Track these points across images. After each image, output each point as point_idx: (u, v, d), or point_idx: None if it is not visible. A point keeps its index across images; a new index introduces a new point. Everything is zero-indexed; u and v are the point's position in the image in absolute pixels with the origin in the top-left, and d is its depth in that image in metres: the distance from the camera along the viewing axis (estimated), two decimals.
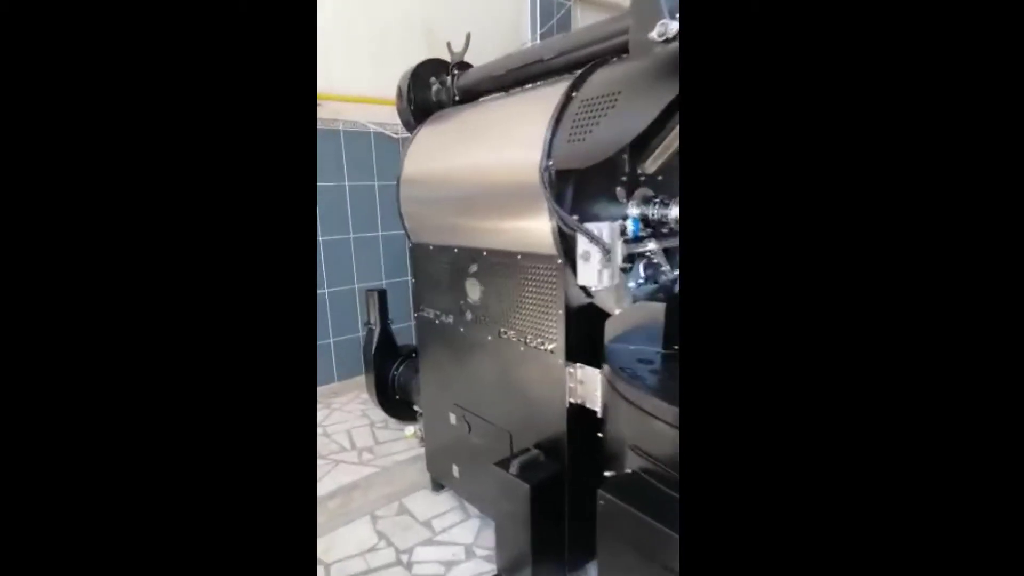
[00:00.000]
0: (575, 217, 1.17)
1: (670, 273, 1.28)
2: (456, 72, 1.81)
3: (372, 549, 1.64)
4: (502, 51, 1.67)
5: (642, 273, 1.30)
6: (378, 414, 2.55)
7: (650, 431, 0.89)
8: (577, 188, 1.18)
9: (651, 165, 1.31)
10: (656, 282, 1.30)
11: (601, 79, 1.16)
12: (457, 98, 1.80)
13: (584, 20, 3.90)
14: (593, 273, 1.09)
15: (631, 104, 1.02)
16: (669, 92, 0.96)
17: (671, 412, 0.84)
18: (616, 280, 1.12)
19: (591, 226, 1.09)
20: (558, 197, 1.15)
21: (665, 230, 1.29)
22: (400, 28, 2.97)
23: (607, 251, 1.07)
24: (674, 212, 1.24)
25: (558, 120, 1.16)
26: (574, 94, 1.17)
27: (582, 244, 1.10)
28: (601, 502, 0.86)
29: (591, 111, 1.09)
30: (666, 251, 1.38)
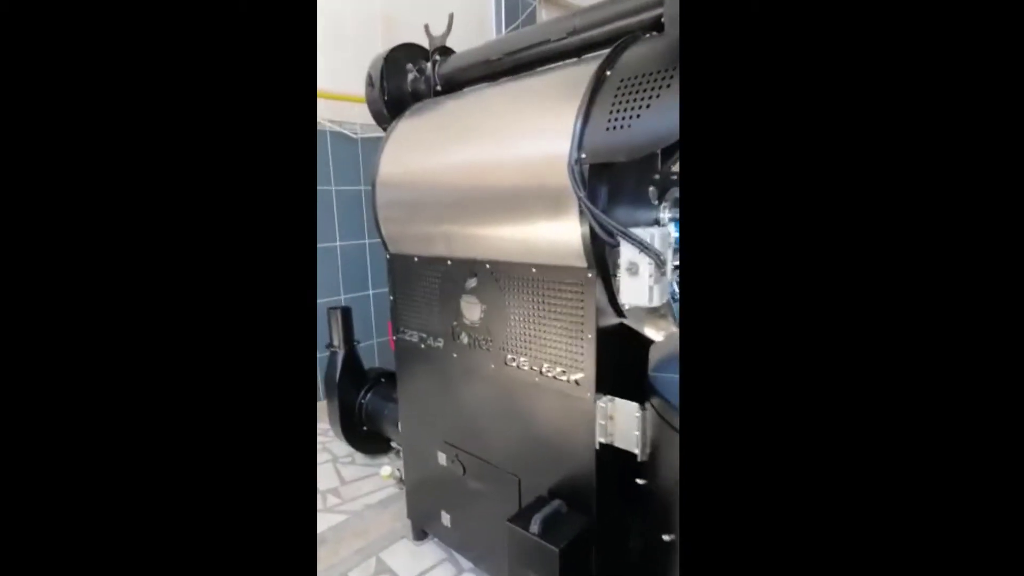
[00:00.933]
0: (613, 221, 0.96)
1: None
2: (437, 58, 1.58)
3: None
4: (480, 41, 1.45)
5: (675, 287, 1.12)
6: (341, 447, 2.25)
7: None
8: (612, 187, 0.98)
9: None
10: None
11: (641, 56, 0.97)
12: (439, 87, 1.57)
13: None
14: (643, 289, 0.89)
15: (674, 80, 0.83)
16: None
17: None
18: (666, 298, 0.93)
19: (639, 231, 0.89)
20: (591, 196, 0.95)
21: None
22: (356, 18, 2.70)
23: (662, 262, 0.87)
24: None
25: (590, 104, 0.96)
26: (608, 73, 0.97)
27: (627, 254, 0.90)
28: None
29: (636, 92, 0.90)
30: None
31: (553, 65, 1.26)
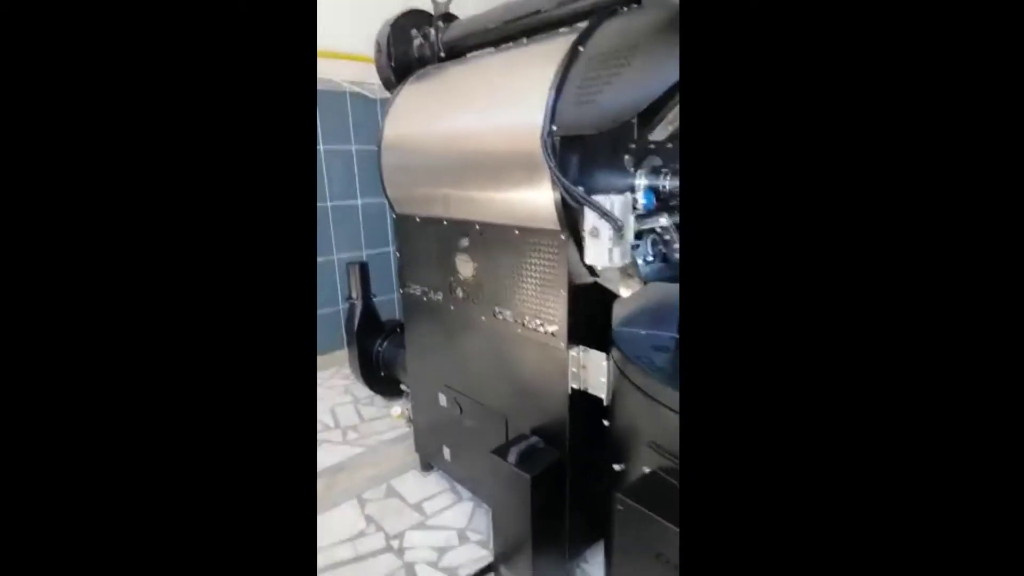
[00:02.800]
0: (580, 189, 1.06)
1: (677, 250, 1.19)
2: (441, 25, 1.65)
3: (361, 534, 1.58)
4: (486, 6, 1.50)
5: (650, 250, 1.21)
6: (362, 390, 2.46)
7: (671, 427, 0.81)
8: (583, 156, 1.07)
9: (661, 132, 1.20)
10: (666, 260, 1.21)
11: (613, 32, 1.03)
12: (442, 54, 1.64)
13: None
14: (603, 251, 0.99)
15: (649, 62, 0.90)
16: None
17: None
18: (627, 259, 1.03)
19: (601, 199, 0.98)
20: (562, 166, 1.04)
21: (673, 203, 1.19)
22: None
23: (619, 227, 0.97)
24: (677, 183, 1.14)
25: (563, 79, 1.03)
26: (581, 48, 1.04)
27: (590, 219, 1.00)
28: (620, 507, 0.79)
29: (602, 69, 0.97)
30: (677, 226, 1.29)
31: (543, 35, 1.32)
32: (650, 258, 1.20)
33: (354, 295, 2.25)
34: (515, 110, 1.13)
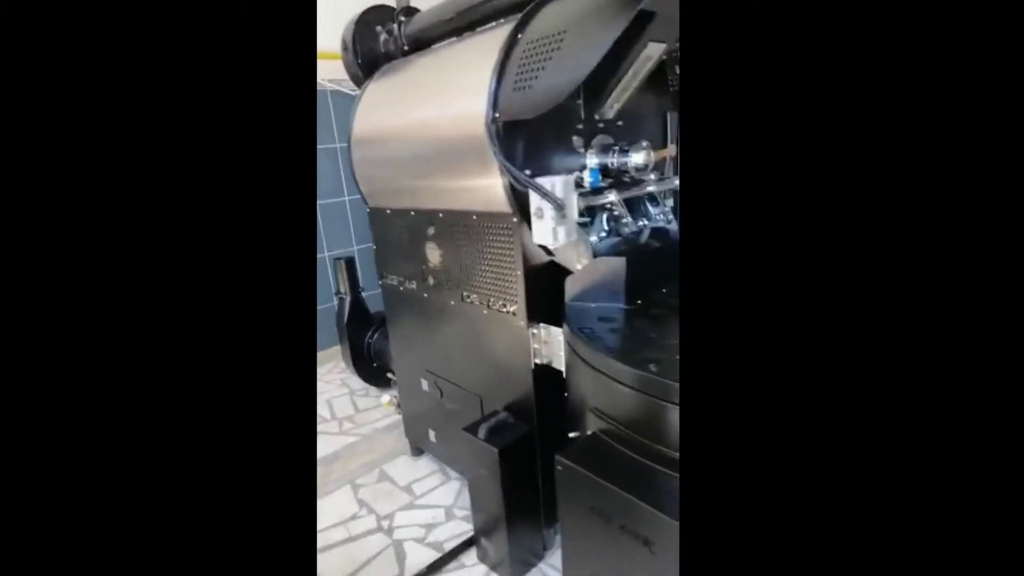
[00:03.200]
0: (527, 171, 1.10)
1: (632, 225, 1.22)
2: (403, 19, 1.69)
3: (354, 517, 1.65)
4: None
5: (605, 226, 1.25)
6: (357, 382, 2.53)
7: (608, 393, 0.86)
8: (529, 140, 1.11)
9: (609, 110, 1.24)
10: (619, 235, 1.24)
11: (549, 16, 1.06)
12: (406, 47, 1.68)
13: None
14: (548, 231, 1.03)
15: (577, 44, 0.94)
16: (616, 28, 0.88)
17: (628, 373, 0.81)
18: (574, 236, 1.07)
19: (543, 180, 1.02)
20: (508, 151, 1.08)
21: (626, 179, 1.23)
22: None
23: (560, 206, 1.01)
24: (634, 159, 1.18)
25: (503, 66, 1.07)
26: (519, 36, 1.08)
27: (535, 200, 1.04)
28: (559, 467, 0.84)
29: (537, 54, 1.01)
30: (627, 202, 1.33)
31: (491, 24, 1.35)
32: (603, 234, 1.24)
33: (342, 290, 2.31)
34: (464, 99, 1.17)
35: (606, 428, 0.88)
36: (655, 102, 1.42)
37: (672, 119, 1.47)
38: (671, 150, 1.34)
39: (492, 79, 1.07)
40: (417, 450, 1.94)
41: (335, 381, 2.66)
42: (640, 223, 1.31)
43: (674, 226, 1.35)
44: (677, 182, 1.39)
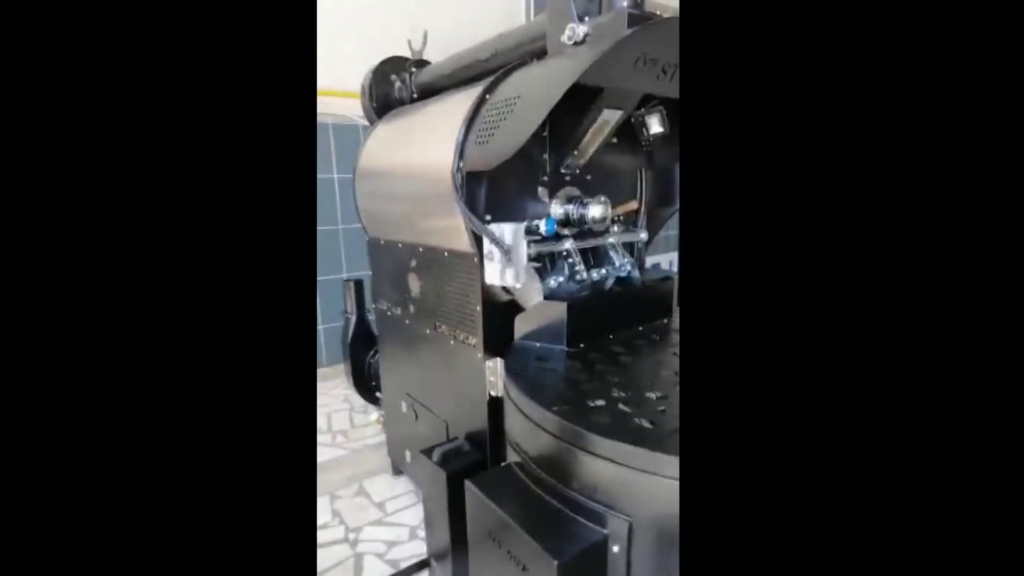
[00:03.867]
0: (488, 217, 1.20)
1: (583, 273, 1.30)
2: (414, 70, 1.86)
3: (324, 526, 1.73)
4: (495, 33, 1.67)
5: (566, 271, 1.33)
6: (359, 399, 2.65)
7: (523, 428, 0.93)
8: (491, 188, 1.22)
9: (574, 165, 1.33)
10: (576, 281, 1.32)
11: (512, 82, 1.18)
12: (415, 95, 1.84)
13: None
14: (497, 272, 1.13)
15: (525, 109, 1.04)
16: (551, 101, 0.98)
17: (537, 412, 0.88)
18: (521, 279, 1.15)
19: (495, 226, 1.12)
20: (471, 197, 1.19)
21: (586, 229, 1.32)
22: (386, 19, 3.02)
23: (507, 251, 1.10)
24: (592, 212, 1.26)
25: (470, 122, 1.19)
26: (487, 96, 1.20)
27: (486, 243, 1.14)
28: (468, 492, 0.91)
29: (496, 114, 1.12)
30: (593, 251, 1.41)
31: (480, 82, 1.49)
32: (561, 279, 1.32)
33: (349, 310, 2.45)
34: (439, 148, 1.30)
35: (519, 461, 0.95)
36: (628, 159, 1.51)
37: (645, 176, 1.55)
38: (632, 204, 1.41)
39: (461, 132, 1.19)
40: (397, 470, 2.02)
41: (339, 396, 2.79)
42: (603, 271, 1.38)
43: (636, 274, 1.41)
44: (643, 235, 1.46)
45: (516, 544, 0.79)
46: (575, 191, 1.36)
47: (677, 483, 0.70)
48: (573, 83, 0.96)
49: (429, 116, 1.48)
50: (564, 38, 1.15)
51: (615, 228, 1.41)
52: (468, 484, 0.91)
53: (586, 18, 1.13)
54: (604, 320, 1.27)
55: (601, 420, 0.81)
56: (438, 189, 1.30)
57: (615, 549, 0.75)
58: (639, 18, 1.05)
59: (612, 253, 1.40)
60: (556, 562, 0.71)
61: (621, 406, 0.86)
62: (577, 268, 1.28)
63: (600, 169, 1.42)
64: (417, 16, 3.09)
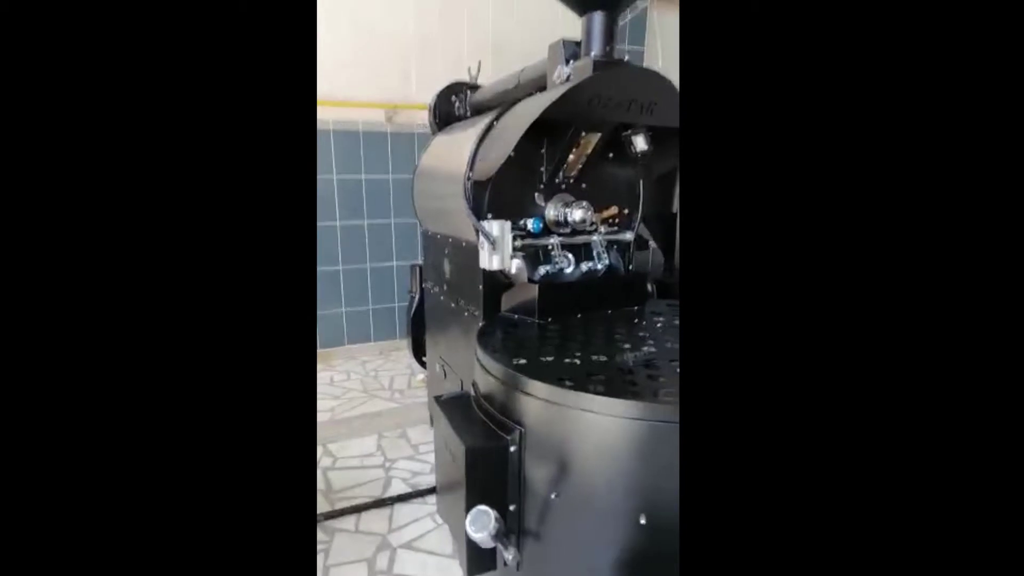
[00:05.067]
0: (489, 215, 1.55)
1: (564, 263, 1.60)
2: (469, 92, 2.26)
3: (368, 455, 2.19)
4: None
5: (551, 262, 1.64)
6: (419, 366, 3.12)
7: (479, 371, 1.27)
8: (494, 193, 1.56)
9: (567, 176, 1.64)
10: (563, 270, 1.62)
11: (512, 112, 1.52)
12: (468, 113, 2.24)
13: (661, 21, 4.03)
14: (486, 258, 1.47)
15: (507, 135, 1.38)
16: (519, 131, 1.30)
17: (485, 358, 1.21)
18: (507, 265, 1.49)
19: (485, 223, 1.47)
20: (477, 199, 1.55)
21: (565, 230, 1.62)
22: (475, 43, 3.46)
23: (493, 242, 1.44)
24: (574, 214, 1.56)
25: (479, 142, 1.55)
26: (494, 123, 1.55)
27: (480, 236, 1.49)
28: (433, 408, 1.27)
29: (493, 137, 1.47)
30: (584, 246, 1.70)
31: (496, 109, 1.84)
32: (549, 268, 1.63)
33: (413, 290, 2.92)
34: (459, 160, 1.67)
35: (474, 395, 1.29)
36: (626, 170, 1.77)
37: (644, 185, 1.80)
38: (613, 210, 1.68)
39: (472, 149, 1.55)
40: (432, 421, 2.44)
41: (403, 363, 3.29)
42: (589, 264, 1.67)
43: (620, 267, 1.69)
44: (628, 235, 1.72)
45: (451, 442, 1.13)
46: (569, 197, 1.66)
47: (554, 404, 1.00)
48: (541, 116, 1.28)
49: (460, 135, 1.86)
50: (555, 77, 1.47)
51: (602, 229, 1.68)
52: (434, 401, 1.27)
53: (571, 61, 1.44)
54: (575, 301, 1.56)
55: (518, 363, 1.12)
56: (457, 191, 1.67)
57: (512, 449, 1.07)
58: (603, 64, 1.34)
59: (597, 250, 1.68)
60: (464, 447, 1.04)
61: (541, 358, 1.17)
62: (558, 260, 1.58)
63: (597, 179, 1.70)
64: (491, 36, 3.50)
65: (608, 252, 1.69)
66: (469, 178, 1.54)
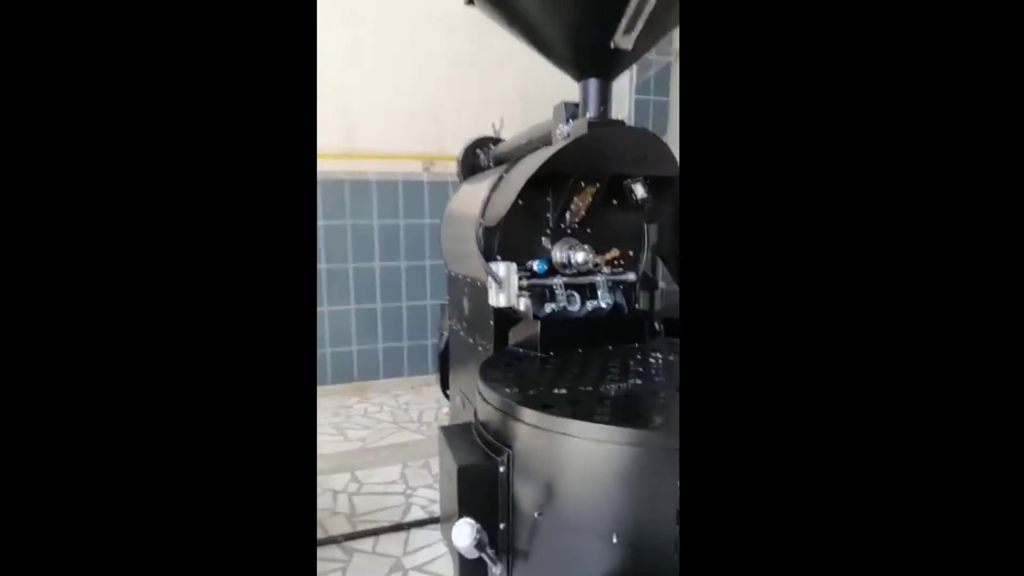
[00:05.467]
0: (499, 257, 1.70)
1: (568, 301, 1.72)
2: (491, 146, 2.47)
3: (392, 482, 2.32)
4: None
5: (557, 300, 1.76)
6: (447, 401, 3.26)
7: (479, 401, 1.39)
8: (504, 237, 1.72)
9: (571, 221, 1.78)
10: (567, 308, 1.74)
11: (518, 165, 1.69)
12: (491, 164, 2.45)
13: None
14: (493, 296, 1.61)
15: (509, 188, 1.54)
16: (518, 186, 1.46)
17: (484, 389, 1.33)
18: (513, 303, 1.62)
19: (492, 264, 1.62)
20: (488, 243, 1.70)
21: (570, 271, 1.74)
22: (504, 97, 3.73)
23: (499, 282, 1.59)
24: (576, 257, 1.69)
25: (491, 193, 1.72)
26: (504, 175, 1.72)
27: (489, 276, 1.63)
28: (439, 436, 1.39)
29: (502, 188, 1.63)
30: (588, 287, 1.82)
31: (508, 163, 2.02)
32: (554, 306, 1.75)
33: (442, 327, 3.09)
34: (474, 208, 1.84)
35: (474, 423, 1.40)
36: (630, 216, 1.89)
37: (646, 228, 1.91)
38: (614, 252, 1.79)
39: (484, 199, 1.73)
40: None
41: (432, 396, 3.43)
42: (593, 303, 1.78)
43: (623, 304, 1.79)
44: (631, 276, 1.83)
45: (448, 463, 1.25)
46: (575, 241, 1.79)
47: (538, 429, 1.11)
48: (545, 169, 1.44)
49: (478, 185, 2.05)
50: (557, 134, 1.63)
51: (605, 269, 1.80)
52: (440, 430, 1.39)
53: (570, 120, 1.61)
54: (577, 337, 1.67)
55: (511, 391, 1.24)
56: (471, 235, 1.84)
57: (502, 469, 1.17)
58: (597, 124, 1.49)
59: (600, 290, 1.79)
60: (457, 466, 1.16)
61: (534, 388, 1.28)
62: (561, 299, 1.70)
63: (602, 223, 1.83)
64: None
65: (612, 292, 1.80)
66: (481, 224, 1.71)
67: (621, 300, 1.81)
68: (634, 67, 4.10)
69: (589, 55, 1.48)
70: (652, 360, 1.53)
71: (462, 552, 1.06)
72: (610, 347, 1.69)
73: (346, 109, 3.42)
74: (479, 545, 1.05)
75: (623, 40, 1.36)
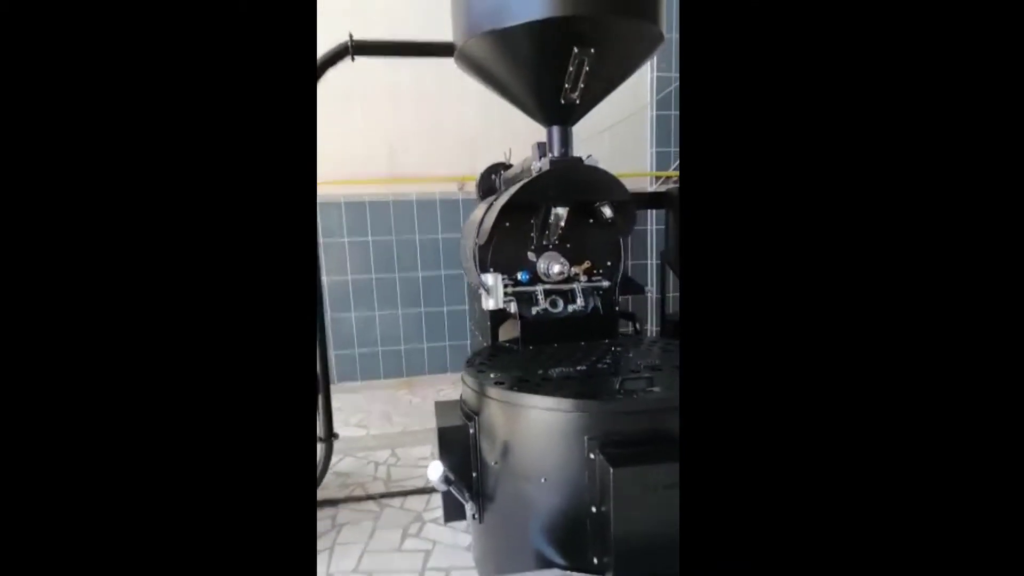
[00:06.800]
0: (491, 268, 2.10)
1: (549, 304, 2.08)
2: (503, 172, 2.88)
3: (423, 458, 2.76)
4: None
5: (539, 304, 2.13)
6: None
7: (463, 385, 1.79)
8: (495, 252, 2.11)
9: (550, 239, 2.14)
10: (548, 310, 2.11)
11: (503, 194, 2.08)
12: (503, 188, 2.85)
13: None
14: (484, 300, 2.01)
15: (493, 209, 1.94)
16: (503, 203, 1.85)
17: (468, 375, 1.73)
18: (500, 305, 2.01)
19: (483, 275, 2.02)
20: (483, 258, 2.11)
21: (551, 280, 2.11)
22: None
23: (487, 289, 1.98)
24: (553, 268, 2.05)
25: (484, 215, 2.12)
26: (493, 203, 2.12)
27: (478, 285, 2.04)
28: (436, 404, 1.81)
29: (491, 212, 2.03)
30: (567, 293, 2.18)
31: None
32: (538, 309, 2.12)
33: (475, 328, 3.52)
34: (474, 227, 2.25)
35: (460, 400, 1.81)
36: (602, 232, 2.22)
37: (623, 243, 2.23)
38: (586, 264, 2.13)
39: (479, 219, 2.13)
40: None
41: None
42: (573, 306, 2.13)
43: (598, 306, 2.13)
44: (605, 283, 2.16)
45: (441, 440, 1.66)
46: (556, 254, 2.16)
47: (494, 400, 1.49)
48: (524, 196, 1.82)
49: (481, 208, 2.46)
50: (533, 168, 2.02)
51: (583, 278, 2.15)
52: (435, 404, 1.81)
53: (542, 157, 1.98)
54: (556, 334, 2.03)
55: (482, 375, 1.63)
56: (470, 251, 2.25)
57: (471, 431, 1.57)
58: (558, 161, 1.86)
59: (578, 295, 2.14)
60: (439, 427, 1.57)
61: (501, 371, 1.66)
62: (542, 303, 2.07)
63: (579, 239, 2.18)
64: None
65: (589, 296, 2.14)
66: (475, 241, 2.11)
67: (597, 303, 2.15)
68: (655, 57, 4.35)
69: (548, 108, 1.84)
70: (609, 352, 1.86)
71: (434, 485, 1.47)
72: (583, 343, 2.04)
73: (390, 139, 3.96)
74: (446, 480, 1.45)
75: (570, 97, 1.72)
